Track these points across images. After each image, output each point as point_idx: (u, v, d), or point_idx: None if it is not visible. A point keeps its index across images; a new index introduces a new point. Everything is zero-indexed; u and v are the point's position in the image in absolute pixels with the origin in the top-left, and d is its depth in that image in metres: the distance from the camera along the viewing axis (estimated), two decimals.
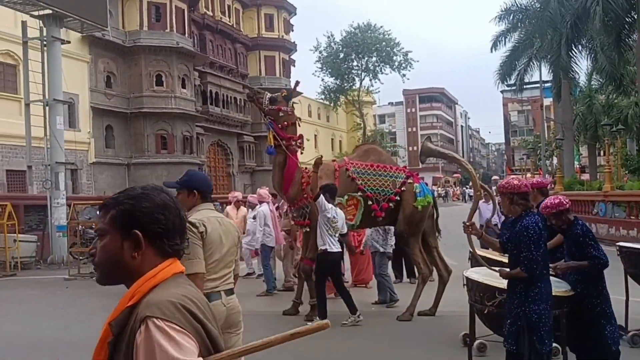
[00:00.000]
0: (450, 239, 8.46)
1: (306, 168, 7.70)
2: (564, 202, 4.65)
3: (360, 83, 53.53)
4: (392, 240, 8.58)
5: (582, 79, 31.12)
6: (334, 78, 52.68)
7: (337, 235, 7.04)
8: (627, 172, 29.62)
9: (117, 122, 29.64)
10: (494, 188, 12.75)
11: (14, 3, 16.06)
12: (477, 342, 5.38)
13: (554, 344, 4.19)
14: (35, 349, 6.47)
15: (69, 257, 13.91)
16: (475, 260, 5.07)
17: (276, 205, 10.32)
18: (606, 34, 20.05)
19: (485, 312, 4.74)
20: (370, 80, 53.50)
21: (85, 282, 11.26)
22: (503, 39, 28.02)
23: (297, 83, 8.16)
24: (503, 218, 6.57)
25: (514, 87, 31.04)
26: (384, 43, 51.41)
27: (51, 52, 15.80)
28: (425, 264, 7.78)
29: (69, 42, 18.73)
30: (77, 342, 6.26)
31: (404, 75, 52.79)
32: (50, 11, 15.73)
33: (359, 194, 7.57)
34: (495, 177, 68.41)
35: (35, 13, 16.16)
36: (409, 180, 7.78)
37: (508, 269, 4.15)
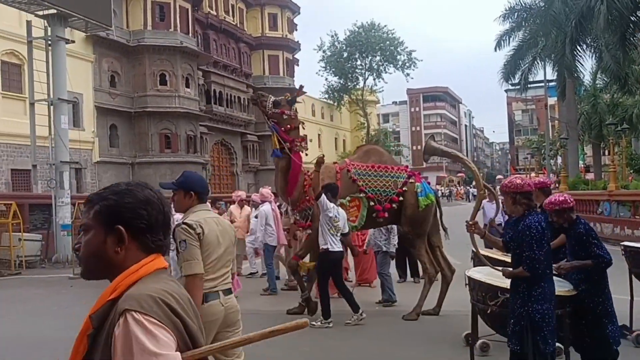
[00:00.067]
0: (453, 238, 8.46)
1: (308, 170, 7.71)
2: (569, 200, 4.65)
3: (364, 82, 53.51)
4: (394, 240, 8.59)
5: (587, 78, 30.97)
6: (337, 77, 52.60)
7: (338, 234, 7.05)
8: (631, 171, 29.52)
9: (121, 121, 29.69)
10: (498, 187, 12.71)
11: (19, 3, 16.10)
12: (479, 341, 5.37)
13: (557, 344, 4.18)
14: (35, 349, 6.48)
15: (73, 256, 13.92)
16: (478, 260, 5.06)
17: (278, 204, 10.34)
18: (611, 32, 19.94)
19: (488, 311, 4.72)
20: (374, 79, 53.55)
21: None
22: (507, 38, 27.93)
23: (301, 87, 8.19)
24: (507, 217, 6.55)
25: (518, 86, 30.90)
26: (387, 42, 51.37)
27: (56, 51, 15.84)
28: (432, 264, 7.77)
29: (73, 41, 18.80)
30: None
31: (408, 74, 52.80)
32: (55, 11, 15.77)
33: (361, 195, 7.58)
34: (499, 176, 67.90)
35: (40, 13, 16.20)
36: (410, 180, 7.77)
37: (511, 269, 4.15)
